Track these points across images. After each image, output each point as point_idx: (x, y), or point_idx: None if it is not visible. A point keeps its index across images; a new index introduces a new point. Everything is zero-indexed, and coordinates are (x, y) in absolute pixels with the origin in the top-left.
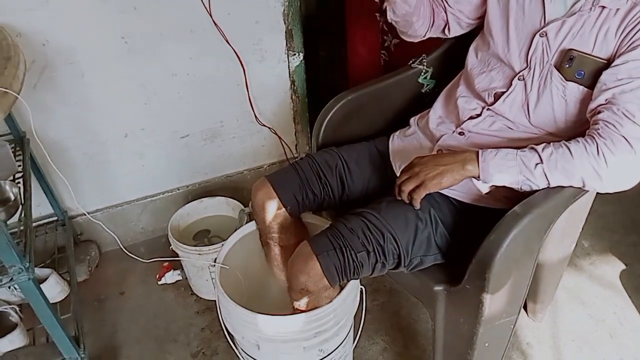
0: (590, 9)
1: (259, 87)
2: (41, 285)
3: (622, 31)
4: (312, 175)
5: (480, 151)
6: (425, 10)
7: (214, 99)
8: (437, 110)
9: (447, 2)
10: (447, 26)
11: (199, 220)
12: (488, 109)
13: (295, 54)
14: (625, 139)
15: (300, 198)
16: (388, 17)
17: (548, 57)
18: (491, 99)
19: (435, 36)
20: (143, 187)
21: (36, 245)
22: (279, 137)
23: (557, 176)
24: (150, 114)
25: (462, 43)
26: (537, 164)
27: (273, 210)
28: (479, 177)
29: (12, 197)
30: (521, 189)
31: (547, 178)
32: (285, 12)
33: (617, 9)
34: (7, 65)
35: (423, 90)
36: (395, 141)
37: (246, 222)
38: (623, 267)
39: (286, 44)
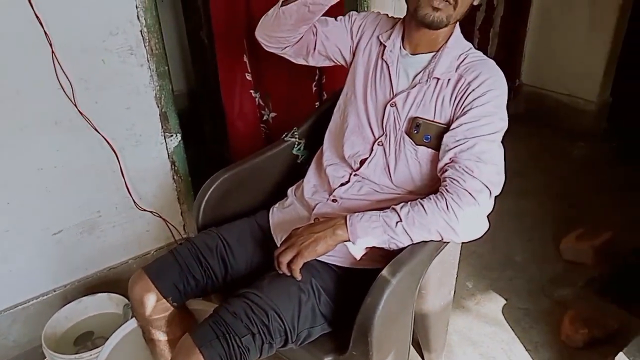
0: (427, 80)
1: (137, 172)
2: None
3: (454, 98)
4: (191, 260)
5: (348, 216)
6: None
7: (88, 189)
8: (311, 179)
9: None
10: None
11: (80, 323)
12: (355, 175)
13: (172, 135)
14: (469, 193)
15: (182, 286)
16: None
17: (399, 124)
18: (357, 165)
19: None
20: (12, 294)
21: None
22: (164, 220)
23: (417, 232)
24: (14, 214)
25: (331, 114)
26: (397, 222)
27: (152, 303)
28: (349, 240)
29: None
30: (390, 248)
31: (408, 234)
32: (157, 95)
33: (449, 80)
34: None
35: (299, 161)
36: (275, 214)
37: (132, 317)
38: (504, 302)
39: (162, 127)
